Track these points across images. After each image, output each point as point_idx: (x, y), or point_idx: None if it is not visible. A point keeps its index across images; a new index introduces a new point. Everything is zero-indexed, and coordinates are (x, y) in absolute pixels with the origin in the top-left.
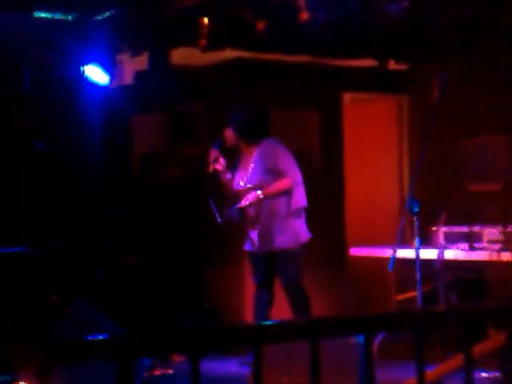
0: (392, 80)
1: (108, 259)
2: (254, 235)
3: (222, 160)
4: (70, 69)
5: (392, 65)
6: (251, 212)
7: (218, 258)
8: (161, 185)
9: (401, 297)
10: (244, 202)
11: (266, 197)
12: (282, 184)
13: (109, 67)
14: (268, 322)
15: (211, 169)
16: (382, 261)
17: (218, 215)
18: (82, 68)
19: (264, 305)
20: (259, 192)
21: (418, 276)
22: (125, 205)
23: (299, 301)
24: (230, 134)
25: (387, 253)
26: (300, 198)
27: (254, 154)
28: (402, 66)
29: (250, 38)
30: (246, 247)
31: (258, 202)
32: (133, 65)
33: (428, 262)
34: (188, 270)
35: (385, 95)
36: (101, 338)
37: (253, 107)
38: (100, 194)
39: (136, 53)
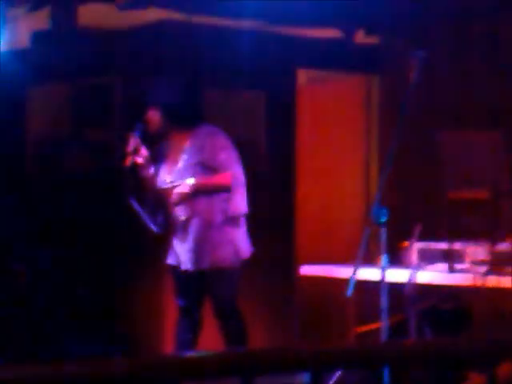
0: (359, 56)
1: None
2: (181, 248)
3: (143, 150)
4: None
5: (360, 37)
6: (179, 218)
7: (132, 273)
8: (61, 178)
9: (362, 328)
10: (174, 198)
11: (201, 189)
12: (221, 179)
13: None
14: (191, 354)
15: (129, 161)
16: (340, 283)
17: (151, 221)
18: None
19: (188, 333)
20: (192, 181)
21: (383, 303)
22: (12, 202)
23: (234, 329)
24: (154, 116)
25: (346, 273)
26: (241, 203)
27: (187, 144)
28: (373, 40)
29: None
30: (170, 261)
31: (190, 196)
32: (29, 23)
33: (397, 286)
34: (93, 288)
35: (350, 74)
36: None
37: (184, 82)
38: None
39: (34, 8)
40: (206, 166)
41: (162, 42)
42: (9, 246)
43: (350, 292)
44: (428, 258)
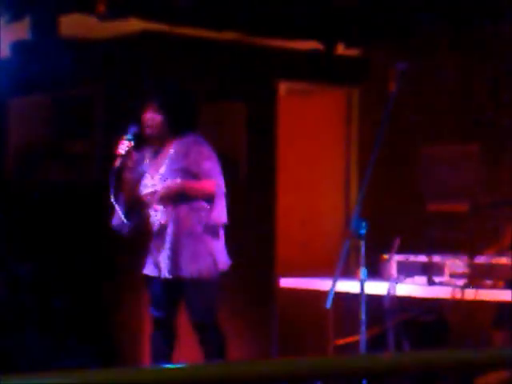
0: (340, 68)
1: None
2: (158, 257)
3: (133, 154)
4: None
5: (341, 49)
6: (158, 222)
7: (109, 284)
8: (41, 190)
9: (340, 341)
10: (159, 194)
11: (186, 190)
12: (206, 185)
13: None
14: (168, 367)
15: (119, 163)
16: (319, 295)
17: (122, 224)
18: None
19: (164, 345)
20: (177, 182)
21: (362, 316)
22: None
23: (212, 342)
24: (156, 119)
25: (325, 285)
26: (221, 213)
27: (172, 150)
28: (353, 52)
29: (162, 5)
30: (146, 271)
31: (175, 195)
32: (10, 33)
33: (376, 299)
34: (71, 301)
35: (330, 87)
36: None
37: (185, 89)
38: None
39: (14, 18)
40: (188, 173)
41: (142, 53)
42: None
43: (329, 304)
44: (407, 271)
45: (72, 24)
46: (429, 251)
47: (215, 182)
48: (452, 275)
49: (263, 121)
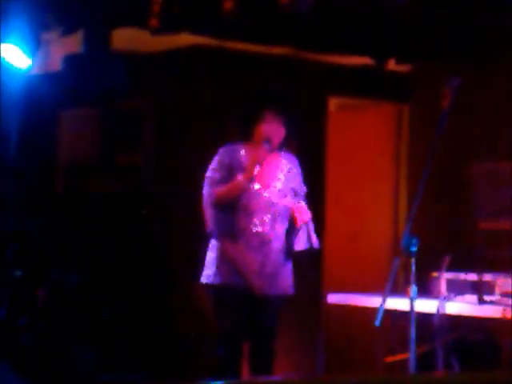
0: (391, 84)
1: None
2: (254, 269)
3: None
4: None
5: (392, 65)
6: (258, 237)
7: (165, 299)
8: (90, 202)
9: (390, 359)
10: (303, 214)
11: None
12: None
13: (31, 48)
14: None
15: (256, 171)
16: (368, 312)
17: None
18: None
19: (232, 360)
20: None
21: (411, 334)
22: (40, 226)
23: (268, 359)
24: (281, 130)
25: (374, 302)
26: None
27: (287, 165)
28: (404, 68)
29: (214, 20)
30: (230, 280)
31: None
32: (62, 46)
33: (425, 317)
34: (118, 312)
35: (381, 103)
36: None
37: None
38: (11, 213)
39: (67, 31)
40: (295, 193)
41: (192, 67)
42: (34, 269)
43: (378, 321)
44: (457, 289)
45: (123, 37)
46: (479, 269)
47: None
48: (503, 294)
49: (313, 136)
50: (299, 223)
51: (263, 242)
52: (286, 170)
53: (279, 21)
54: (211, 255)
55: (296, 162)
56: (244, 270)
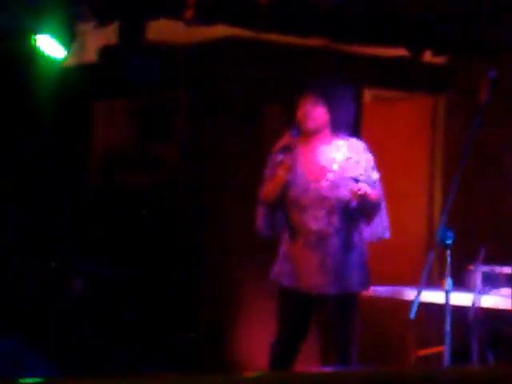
0: (426, 76)
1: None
2: (310, 268)
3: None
4: (16, 39)
5: (428, 56)
6: (316, 234)
7: (210, 297)
8: (123, 192)
9: (423, 352)
10: (361, 193)
11: (370, 201)
12: (376, 197)
13: (66, 39)
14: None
15: (279, 160)
16: (402, 305)
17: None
18: (32, 39)
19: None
20: (367, 188)
21: (446, 327)
22: (76, 220)
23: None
24: (321, 113)
25: (409, 295)
26: (386, 226)
27: (338, 153)
28: (441, 59)
29: (249, 12)
30: (285, 282)
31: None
32: (97, 38)
33: (460, 310)
34: (162, 314)
35: (416, 94)
36: None
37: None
38: (47, 204)
39: (102, 23)
40: (356, 181)
41: (227, 58)
42: (69, 258)
43: (413, 314)
44: (492, 282)
45: (159, 29)
46: None
47: (380, 193)
48: None
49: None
50: (358, 204)
51: (321, 238)
52: (342, 158)
53: (314, 12)
54: (279, 250)
55: (360, 148)
56: (301, 269)
